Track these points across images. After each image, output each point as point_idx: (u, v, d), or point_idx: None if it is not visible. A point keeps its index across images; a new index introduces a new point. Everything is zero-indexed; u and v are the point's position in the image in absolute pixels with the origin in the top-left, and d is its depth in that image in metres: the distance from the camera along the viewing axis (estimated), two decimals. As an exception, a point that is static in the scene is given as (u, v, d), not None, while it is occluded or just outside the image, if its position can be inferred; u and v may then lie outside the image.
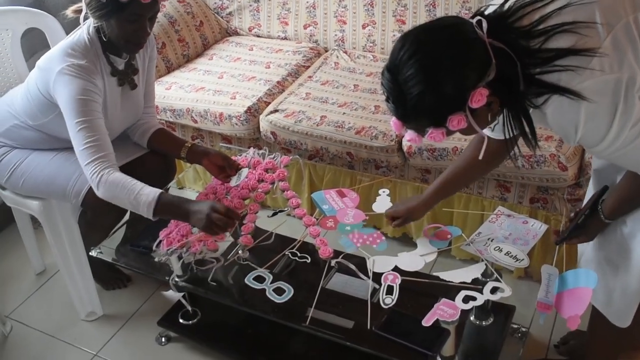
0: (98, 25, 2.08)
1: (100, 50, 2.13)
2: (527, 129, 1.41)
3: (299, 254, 2.08)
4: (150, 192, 1.95)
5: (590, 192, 1.86)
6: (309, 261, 2.08)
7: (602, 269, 1.72)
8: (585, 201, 1.93)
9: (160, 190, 1.97)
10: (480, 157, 1.56)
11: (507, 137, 1.45)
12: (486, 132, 1.49)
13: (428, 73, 1.31)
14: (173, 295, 2.55)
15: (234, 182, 2.24)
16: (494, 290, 1.81)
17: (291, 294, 1.93)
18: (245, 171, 2.27)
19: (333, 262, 1.99)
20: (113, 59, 2.17)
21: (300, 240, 2.12)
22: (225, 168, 2.27)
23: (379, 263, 1.96)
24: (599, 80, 1.30)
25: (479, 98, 1.31)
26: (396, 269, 1.94)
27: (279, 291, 1.94)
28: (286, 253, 2.11)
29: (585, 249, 1.82)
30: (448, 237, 2.02)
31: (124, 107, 2.27)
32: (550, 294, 1.68)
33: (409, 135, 1.47)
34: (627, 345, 2.08)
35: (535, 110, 1.40)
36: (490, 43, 1.32)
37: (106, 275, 2.71)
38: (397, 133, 1.49)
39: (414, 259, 1.96)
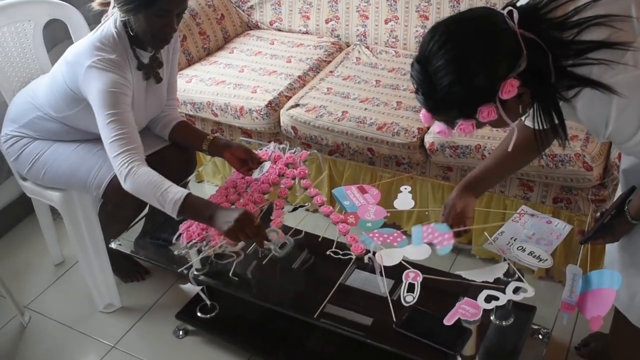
0: (125, 20, 2.08)
1: (128, 44, 2.13)
2: (557, 122, 1.39)
3: (340, 252, 2.06)
4: (177, 192, 1.94)
5: (618, 193, 1.84)
6: (338, 257, 2.06)
7: (626, 270, 1.70)
8: (612, 202, 1.91)
9: (188, 191, 1.96)
10: (510, 149, 1.54)
11: (538, 129, 1.43)
12: (528, 122, 1.48)
13: (458, 64, 1.31)
14: (191, 288, 2.56)
15: (256, 174, 2.25)
16: (516, 290, 1.79)
17: (291, 245, 1.96)
18: (267, 164, 2.27)
19: (366, 259, 1.98)
20: (139, 53, 2.18)
21: (330, 240, 2.11)
22: (247, 161, 2.27)
23: (387, 256, 1.95)
24: (631, 75, 1.28)
25: (510, 89, 1.30)
26: (418, 268, 1.93)
27: (282, 246, 1.99)
28: (305, 249, 2.11)
29: (611, 250, 1.80)
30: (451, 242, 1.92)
31: (148, 100, 2.28)
32: (574, 294, 1.66)
33: (438, 127, 1.46)
34: None
35: (565, 103, 1.39)
36: (521, 34, 1.31)
37: (124, 268, 2.73)
38: (426, 125, 1.48)
39: (420, 249, 1.94)
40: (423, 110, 1.43)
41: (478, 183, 1.90)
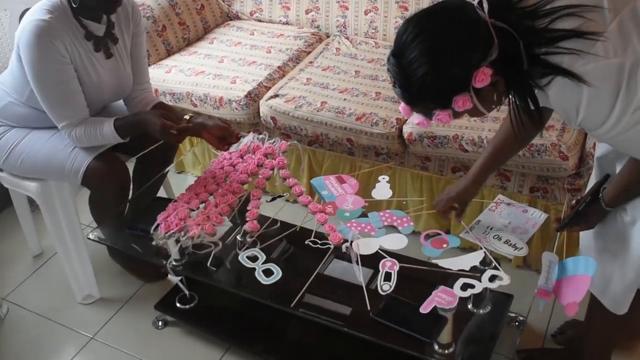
0: None
1: (71, 14, 2.14)
2: (532, 107, 1.41)
3: (318, 242, 2.06)
4: (107, 129, 2.19)
5: (592, 181, 1.86)
6: (317, 247, 2.06)
7: (601, 256, 1.72)
8: (587, 190, 1.93)
9: (113, 120, 2.20)
10: (514, 129, 1.51)
11: (514, 116, 1.44)
12: None
13: (431, 54, 1.33)
14: (171, 279, 2.56)
15: (233, 147, 2.27)
16: (492, 279, 1.81)
17: (279, 276, 1.93)
18: (246, 138, 2.27)
19: (344, 248, 1.99)
20: (87, 23, 2.17)
21: (306, 230, 2.12)
22: (225, 138, 2.27)
23: (364, 245, 1.97)
24: (601, 64, 1.30)
25: (483, 77, 1.32)
26: (398, 256, 1.95)
27: (269, 273, 1.95)
28: (284, 239, 2.11)
29: (585, 237, 1.82)
30: (443, 247, 1.97)
31: (104, 75, 2.28)
32: (550, 280, 1.68)
33: (417, 119, 1.48)
34: (625, 334, 2.09)
35: (539, 91, 1.41)
36: (492, 23, 1.32)
37: (142, 267, 2.69)
38: (405, 117, 1.51)
39: (397, 239, 1.98)
40: (402, 104, 1.45)
41: (484, 174, 1.94)
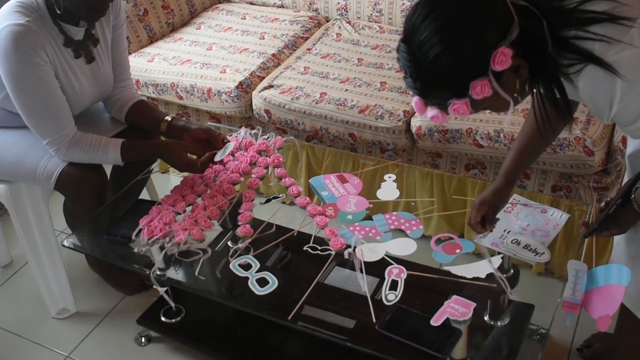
0: None
1: (50, 20, 2.13)
2: (558, 96, 1.41)
3: (318, 248, 2.07)
4: (113, 157, 2.24)
5: (625, 180, 1.87)
6: (316, 253, 2.07)
7: (634, 263, 1.72)
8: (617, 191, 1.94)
9: (120, 144, 2.24)
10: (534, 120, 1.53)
11: (538, 108, 1.44)
12: None
13: (443, 32, 1.31)
14: (154, 290, 2.56)
15: (218, 156, 2.26)
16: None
17: (274, 286, 1.94)
18: (231, 145, 2.28)
19: (346, 254, 2.00)
20: (66, 28, 2.17)
21: (305, 234, 2.13)
22: (209, 142, 2.29)
23: (369, 251, 1.98)
24: (637, 52, 1.30)
25: (502, 58, 1.30)
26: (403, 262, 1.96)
27: (263, 283, 1.96)
28: (280, 245, 2.12)
29: (617, 242, 1.83)
30: (457, 252, 1.98)
31: (86, 80, 2.29)
32: (578, 292, 1.68)
33: (431, 113, 1.46)
34: None
35: (567, 82, 1.40)
36: (511, 1, 1.32)
37: (123, 277, 2.70)
38: (420, 114, 1.49)
39: (405, 244, 1.99)
40: (415, 98, 1.44)
41: (516, 172, 1.91)
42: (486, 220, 1.92)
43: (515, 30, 1.31)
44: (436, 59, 1.33)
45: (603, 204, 1.75)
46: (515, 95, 1.43)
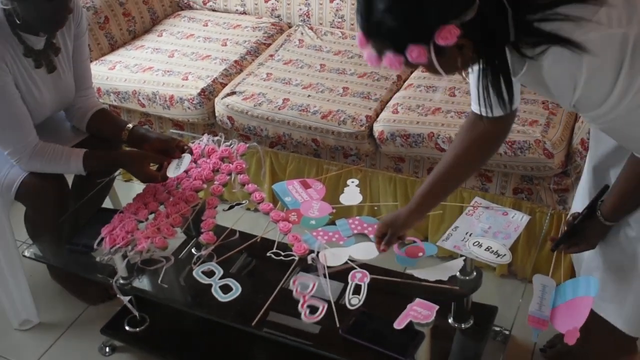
0: (8, 8, 2.05)
1: (9, 30, 2.11)
2: (503, 86, 1.40)
3: (282, 254, 2.08)
4: (75, 167, 2.23)
5: (583, 187, 1.87)
6: (280, 259, 2.08)
7: (610, 276, 1.73)
8: (574, 200, 1.95)
9: (82, 154, 2.22)
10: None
11: (481, 89, 1.42)
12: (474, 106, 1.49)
13: None
14: (118, 299, 2.55)
15: (171, 171, 2.22)
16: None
17: (238, 292, 1.95)
18: (187, 158, 2.26)
19: (310, 260, 2.01)
20: (26, 37, 2.15)
21: (267, 240, 2.13)
22: (167, 152, 2.28)
23: (332, 256, 1.99)
24: (604, 33, 1.29)
25: (447, 35, 1.29)
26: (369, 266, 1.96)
27: (227, 289, 1.96)
28: (243, 252, 2.12)
29: (584, 258, 1.83)
30: (419, 255, 1.99)
31: (47, 90, 2.27)
32: (545, 307, 1.68)
33: (366, 53, 1.43)
34: (627, 350, 2.09)
35: (530, 62, 1.38)
36: None
37: (86, 287, 2.67)
38: (359, 48, 1.46)
39: (368, 248, 2.00)
40: (359, 32, 1.42)
41: (427, 200, 1.87)
42: (383, 241, 1.93)
43: (471, 12, 1.29)
44: (385, 12, 1.31)
45: (570, 217, 1.76)
46: (452, 70, 1.42)
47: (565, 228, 1.77)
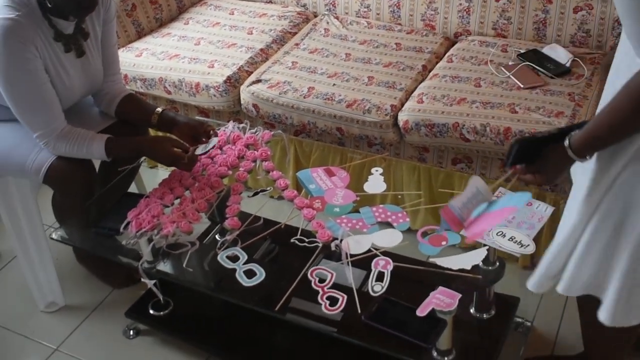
0: None
1: (40, 13, 2.13)
2: None
3: (305, 240, 2.10)
4: (98, 151, 2.24)
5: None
6: (304, 245, 2.09)
7: (588, 249, 1.59)
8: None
9: (105, 139, 2.23)
10: None
11: None
12: None
13: None
14: (143, 283, 2.57)
15: (200, 150, 2.28)
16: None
17: (262, 277, 1.97)
18: (214, 140, 2.30)
19: (333, 246, 2.02)
20: (56, 22, 2.17)
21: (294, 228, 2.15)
22: (196, 137, 2.31)
23: (356, 243, 2.00)
24: None
25: None
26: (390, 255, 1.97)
27: (251, 274, 1.98)
28: (267, 238, 2.14)
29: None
30: (442, 244, 2.00)
31: (76, 74, 2.30)
32: (466, 210, 1.66)
33: None
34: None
35: None
36: None
37: (111, 270, 2.70)
38: None
39: (391, 235, 2.02)
40: None
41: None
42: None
43: None
44: None
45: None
46: None
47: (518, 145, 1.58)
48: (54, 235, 2.31)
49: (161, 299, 2.27)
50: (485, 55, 2.84)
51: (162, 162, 2.30)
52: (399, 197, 2.51)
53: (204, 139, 2.29)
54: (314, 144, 2.82)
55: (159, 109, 2.38)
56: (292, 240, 2.09)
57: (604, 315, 1.64)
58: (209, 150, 2.28)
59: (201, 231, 2.24)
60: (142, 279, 2.09)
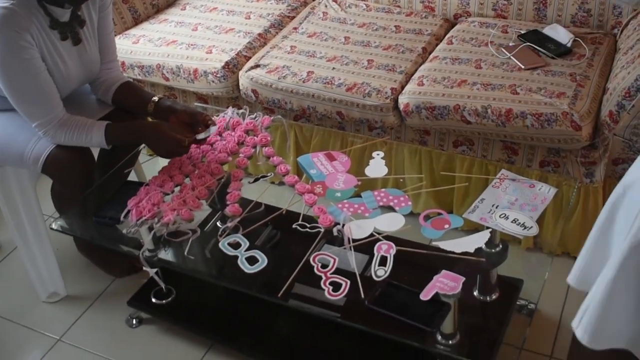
0: None
1: (35, 2, 2.12)
2: None
3: (307, 226, 2.10)
4: (97, 139, 2.24)
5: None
6: (305, 231, 2.09)
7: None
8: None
9: (106, 124, 2.24)
10: None
11: None
12: None
13: None
14: (144, 272, 2.58)
15: (201, 135, 2.28)
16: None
17: (264, 264, 1.97)
18: (213, 128, 2.30)
19: (335, 231, 2.03)
20: (52, 9, 2.16)
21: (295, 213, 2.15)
22: (193, 125, 2.30)
23: (358, 228, 2.01)
24: None
25: None
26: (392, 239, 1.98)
27: (253, 261, 1.98)
28: (269, 224, 2.14)
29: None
30: (445, 227, 2.01)
31: (72, 63, 2.29)
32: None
33: None
34: None
35: None
36: None
37: (112, 260, 2.72)
38: None
39: (394, 219, 2.02)
40: None
41: None
42: None
43: None
44: None
45: None
46: None
47: None
48: (54, 226, 2.31)
49: (163, 287, 2.29)
50: (486, 36, 2.83)
51: (162, 147, 2.27)
52: (401, 180, 2.52)
53: (200, 128, 2.28)
54: (314, 128, 2.82)
55: (156, 97, 2.38)
56: (293, 226, 2.09)
57: None
58: (208, 137, 2.28)
59: (202, 218, 2.25)
60: (144, 268, 2.09)
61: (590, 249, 1.52)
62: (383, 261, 1.91)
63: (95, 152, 2.46)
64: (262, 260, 1.98)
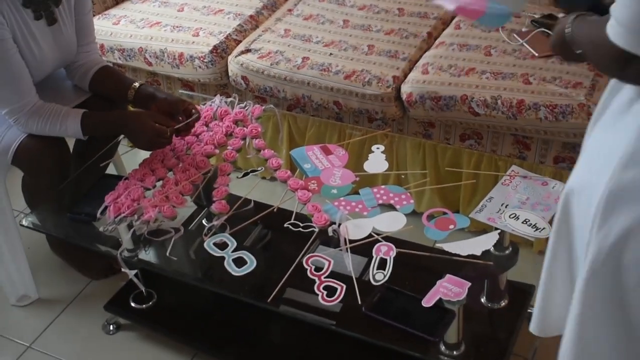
0: None
1: None
2: None
3: (300, 225, 2.09)
4: (73, 129, 2.24)
5: None
6: (298, 230, 2.08)
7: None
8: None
9: (81, 114, 2.24)
10: None
11: None
12: None
13: None
14: (123, 274, 2.57)
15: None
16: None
17: (253, 266, 1.96)
18: (196, 117, 2.30)
19: (330, 231, 2.02)
20: None
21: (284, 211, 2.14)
22: (173, 115, 2.29)
23: (355, 228, 2.00)
24: None
25: None
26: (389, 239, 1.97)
27: (241, 263, 1.98)
28: (258, 223, 2.14)
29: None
30: (450, 228, 2.00)
31: (47, 44, 2.29)
32: None
33: None
34: None
35: None
36: None
37: (88, 260, 2.71)
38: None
39: (394, 218, 2.01)
40: None
41: None
42: None
43: None
44: None
45: None
46: None
47: None
48: (24, 222, 2.30)
49: (143, 290, 2.28)
50: (497, 20, 2.82)
51: (142, 138, 2.25)
52: (403, 177, 2.51)
53: (181, 118, 2.26)
54: (309, 119, 2.82)
55: (136, 84, 2.37)
56: (285, 225, 2.08)
57: None
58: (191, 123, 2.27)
59: (186, 216, 2.24)
60: (122, 269, 2.09)
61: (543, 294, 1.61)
62: (382, 264, 1.90)
63: (71, 143, 2.45)
64: (251, 262, 1.97)
